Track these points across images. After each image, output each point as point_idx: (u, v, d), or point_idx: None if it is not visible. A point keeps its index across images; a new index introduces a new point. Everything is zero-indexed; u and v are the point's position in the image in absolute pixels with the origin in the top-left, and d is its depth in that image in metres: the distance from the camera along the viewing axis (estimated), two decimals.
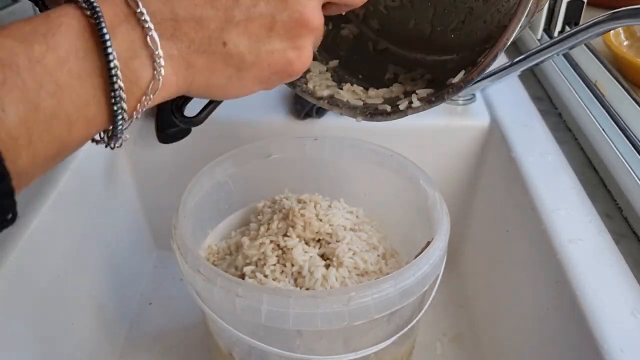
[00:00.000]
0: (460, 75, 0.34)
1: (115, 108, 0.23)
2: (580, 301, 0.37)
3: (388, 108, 0.37)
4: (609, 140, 0.50)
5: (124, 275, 0.59)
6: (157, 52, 0.23)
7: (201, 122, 0.28)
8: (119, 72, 0.22)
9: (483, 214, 0.59)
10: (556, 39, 0.47)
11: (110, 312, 0.55)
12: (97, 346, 0.52)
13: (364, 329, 0.39)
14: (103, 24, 0.22)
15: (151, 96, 0.24)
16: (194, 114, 0.28)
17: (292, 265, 0.43)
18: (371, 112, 0.38)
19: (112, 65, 0.22)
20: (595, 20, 0.43)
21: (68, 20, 0.22)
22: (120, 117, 0.23)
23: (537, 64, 0.51)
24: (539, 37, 0.68)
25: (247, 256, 0.45)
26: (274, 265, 0.44)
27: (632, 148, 0.48)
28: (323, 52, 0.42)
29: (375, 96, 0.39)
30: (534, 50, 0.50)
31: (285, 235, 0.46)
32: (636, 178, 0.45)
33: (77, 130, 0.22)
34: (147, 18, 0.23)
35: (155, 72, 0.23)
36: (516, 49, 0.74)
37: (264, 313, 0.35)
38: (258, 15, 0.25)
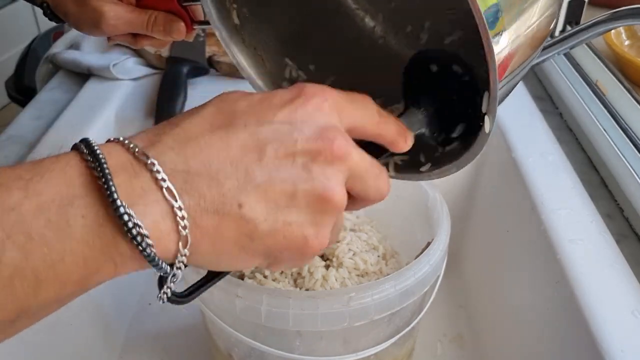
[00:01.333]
0: (427, 166, 0.33)
1: (142, 251, 0.20)
2: (581, 301, 0.37)
3: None
4: (610, 140, 0.50)
5: (123, 275, 0.59)
6: (176, 204, 0.21)
7: (190, 300, 0.25)
8: (126, 212, 0.20)
9: (483, 215, 0.59)
10: (557, 39, 0.47)
11: (109, 313, 0.55)
12: (96, 346, 0.52)
13: (364, 330, 0.39)
14: (106, 168, 0.20)
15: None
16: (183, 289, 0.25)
17: None
18: None
19: (120, 210, 0.20)
20: (596, 20, 0.43)
21: (61, 167, 0.20)
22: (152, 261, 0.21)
23: (538, 64, 0.50)
24: (550, 34, 0.68)
25: None
26: None
27: (633, 148, 0.47)
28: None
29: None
30: None
31: None
32: (637, 178, 0.45)
33: (46, 292, 0.19)
34: (160, 168, 0.21)
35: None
36: None
37: (264, 314, 0.35)
38: (280, 181, 0.22)
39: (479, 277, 0.59)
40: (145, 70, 0.68)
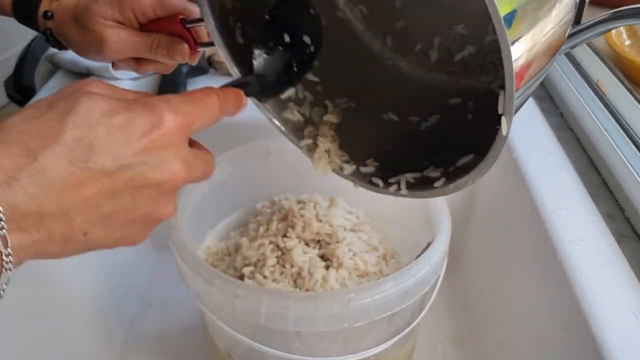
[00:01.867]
0: (441, 181, 0.34)
1: None
2: (582, 302, 0.37)
3: (380, 183, 0.38)
4: (611, 140, 0.50)
5: (122, 276, 0.59)
6: (5, 251, 0.23)
7: None
8: None
9: (484, 215, 0.59)
10: None
11: (109, 314, 0.55)
12: (95, 347, 0.52)
13: (364, 331, 0.39)
14: None
15: None
16: None
17: (292, 266, 0.43)
18: (367, 181, 0.39)
19: None
20: (597, 20, 0.43)
21: None
22: None
23: None
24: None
25: (246, 257, 0.45)
26: (274, 266, 0.43)
27: (634, 148, 0.47)
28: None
29: (371, 164, 0.39)
30: None
31: (284, 236, 0.46)
32: (638, 178, 0.45)
33: None
34: (2, 217, 0.22)
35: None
36: None
37: (264, 314, 0.35)
38: (124, 210, 0.26)
39: (479, 277, 0.59)
40: None
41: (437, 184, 0.34)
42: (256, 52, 0.35)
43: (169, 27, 0.42)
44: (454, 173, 0.33)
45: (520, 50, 0.25)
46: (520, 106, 0.28)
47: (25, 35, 0.59)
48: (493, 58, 0.37)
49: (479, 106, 0.30)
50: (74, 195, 0.24)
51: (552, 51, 0.29)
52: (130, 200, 0.26)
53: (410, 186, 0.36)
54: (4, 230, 0.23)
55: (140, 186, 0.26)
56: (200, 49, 0.43)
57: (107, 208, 0.25)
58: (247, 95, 0.34)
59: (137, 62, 0.44)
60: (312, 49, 0.37)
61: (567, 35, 0.45)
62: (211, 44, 0.39)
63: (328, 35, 0.38)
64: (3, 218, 0.22)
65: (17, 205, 0.23)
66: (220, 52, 0.38)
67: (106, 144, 0.25)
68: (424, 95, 0.40)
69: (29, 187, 0.23)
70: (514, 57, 0.24)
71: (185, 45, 0.41)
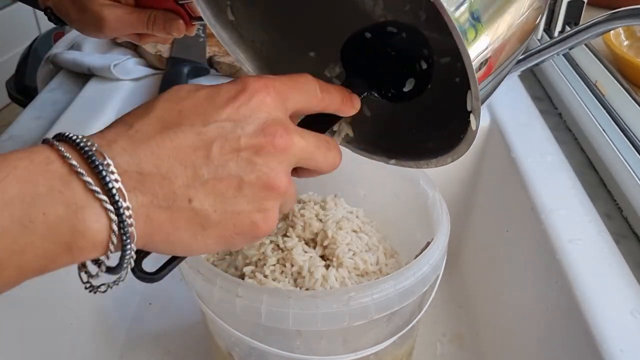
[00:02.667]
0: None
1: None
2: (580, 301, 0.37)
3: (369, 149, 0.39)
4: (609, 141, 0.50)
5: None
6: (124, 205, 0.23)
7: (161, 279, 0.28)
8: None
9: (483, 214, 0.59)
10: (556, 39, 0.47)
11: (109, 312, 0.55)
12: (96, 346, 0.52)
13: (364, 330, 0.39)
14: (72, 161, 0.22)
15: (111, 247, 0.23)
16: (154, 269, 0.28)
17: (292, 265, 0.43)
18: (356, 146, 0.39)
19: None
20: (595, 20, 0.43)
21: (25, 165, 0.22)
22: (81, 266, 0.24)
23: (537, 64, 0.50)
24: (539, 37, 0.68)
25: (246, 256, 0.45)
26: (274, 265, 0.44)
27: (633, 148, 0.48)
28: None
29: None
30: (534, 50, 0.50)
31: (285, 235, 0.46)
32: (636, 178, 0.45)
33: (7, 276, 0.22)
34: (113, 168, 0.23)
35: (112, 224, 0.23)
36: None
37: (264, 313, 0.35)
38: (226, 175, 0.25)
39: (478, 276, 0.59)
40: (146, 70, 0.68)
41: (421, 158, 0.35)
42: (346, 56, 0.35)
43: (162, 3, 0.43)
44: (433, 149, 0.34)
45: (482, 48, 0.25)
46: (492, 91, 0.29)
47: (27, 36, 0.59)
48: None
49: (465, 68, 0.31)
50: (169, 154, 0.24)
51: (522, 38, 0.29)
52: (229, 164, 0.25)
53: (398, 154, 0.37)
54: (119, 183, 0.22)
55: (235, 148, 0.25)
56: (196, 23, 0.44)
57: (205, 171, 0.24)
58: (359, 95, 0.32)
59: (137, 35, 0.46)
60: (403, 34, 0.36)
61: (565, 36, 0.45)
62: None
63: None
64: (115, 171, 0.22)
65: (118, 162, 0.23)
66: (212, 31, 0.39)
67: (194, 110, 0.25)
68: (406, 54, 0.40)
69: (127, 146, 0.23)
70: (473, 57, 0.25)
71: (181, 21, 0.43)
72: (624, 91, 0.53)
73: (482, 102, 0.27)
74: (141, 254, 0.26)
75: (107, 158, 0.23)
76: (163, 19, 0.43)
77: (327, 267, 0.44)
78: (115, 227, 0.23)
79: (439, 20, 0.26)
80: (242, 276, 0.44)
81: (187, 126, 0.24)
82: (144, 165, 0.23)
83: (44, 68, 0.73)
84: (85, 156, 0.22)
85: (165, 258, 0.28)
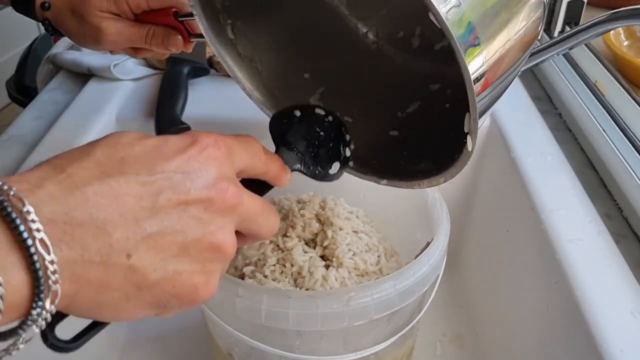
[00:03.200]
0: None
1: None
2: (580, 301, 0.37)
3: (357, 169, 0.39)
4: (609, 140, 0.50)
5: None
6: (48, 258, 0.19)
7: (77, 348, 0.24)
8: None
9: (483, 214, 0.59)
10: (556, 39, 0.47)
11: None
12: (96, 346, 0.52)
13: (364, 330, 0.39)
14: None
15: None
16: (69, 337, 0.24)
17: (292, 265, 0.43)
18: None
19: None
20: (595, 21, 0.43)
21: None
22: None
23: (537, 64, 0.51)
24: (538, 37, 0.68)
25: (246, 256, 0.45)
26: (274, 265, 0.44)
27: (632, 148, 0.48)
28: None
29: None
30: (534, 50, 0.50)
31: (285, 235, 0.46)
32: (636, 178, 0.45)
33: None
34: (35, 218, 0.19)
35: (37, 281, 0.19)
36: None
37: (264, 313, 0.35)
38: (171, 231, 0.22)
39: (478, 276, 0.59)
40: (146, 70, 0.68)
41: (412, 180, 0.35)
42: (274, 132, 0.35)
43: (162, 19, 0.43)
44: (425, 170, 0.35)
45: (479, 63, 0.25)
46: (489, 108, 0.29)
47: (27, 36, 0.59)
48: None
49: (457, 94, 0.31)
50: (107, 203, 0.21)
51: (519, 53, 0.29)
52: (175, 218, 0.22)
53: (389, 175, 0.37)
54: (41, 233, 0.19)
55: (184, 200, 0.22)
56: (194, 40, 0.44)
57: (148, 224, 0.21)
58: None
59: (133, 49, 0.45)
60: (330, 118, 0.37)
61: (565, 36, 0.45)
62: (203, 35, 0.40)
63: (314, 22, 0.39)
64: (37, 219, 0.19)
65: (41, 210, 0.20)
66: (212, 48, 0.39)
67: (140, 158, 0.22)
68: (406, 80, 0.41)
69: (55, 192, 0.20)
70: (476, 87, 0.25)
71: (179, 37, 0.43)
72: (624, 91, 0.53)
73: (481, 116, 0.28)
74: (55, 318, 0.22)
75: (26, 205, 0.19)
76: (162, 34, 0.43)
77: (327, 267, 0.44)
78: (30, 288, 0.19)
79: (431, 48, 0.27)
80: (242, 276, 0.44)
81: (130, 175, 0.22)
82: (75, 214, 0.20)
83: (43, 68, 0.73)
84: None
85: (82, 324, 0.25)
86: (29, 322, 0.20)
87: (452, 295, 0.61)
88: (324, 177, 0.36)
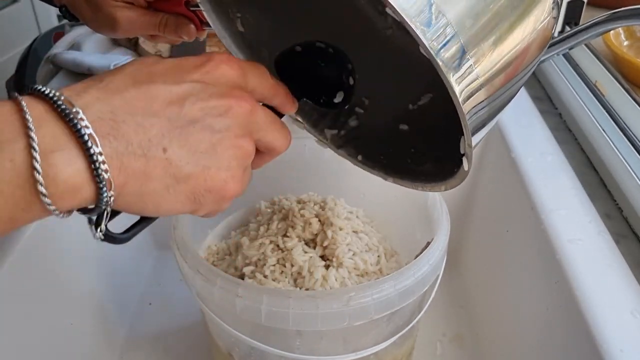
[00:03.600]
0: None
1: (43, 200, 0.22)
2: (580, 301, 0.37)
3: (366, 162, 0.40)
4: (609, 140, 0.50)
5: (123, 275, 0.59)
6: (97, 150, 0.22)
7: (128, 240, 0.27)
8: (37, 165, 0.21)
9: (483, 214, 0.59)
10: (556, 39, 0.47)
11: (110, 313, 0.55)
12: (96, 346, 0.52)
13: (364, 330, 0.39)
14: (28, 119, 0.22)
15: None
16: (119, 231, 0.27)
17: (292, 265, 0.43)
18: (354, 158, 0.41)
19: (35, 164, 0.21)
20: (595, 21, 0.43)
21: None
22: (54, 212, 0.22)
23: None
24: (551, 39, 0.68)
25: (246, 256, 0.45)
26: (274, 265, 0.44)
27: (632, 148, 0.48)
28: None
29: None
30: None
31: (285, 235, 0.46)
32: (636, 178, 0.45)
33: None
34: (82, 115, 0.22)
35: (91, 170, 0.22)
36: None
37: (264, 313, 0.35)
38: (199, 130, 0.25)
39: (478, 276, 0.59)
40: None
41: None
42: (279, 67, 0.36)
43: (175, 8, 0.44)
44: (429, 172, 0.35)
45: (477, 102, 0.25)
46: (491, 119, 0.29)
47: (27, 35, 0.60)
48: None
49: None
50: (143, 105, 0.24)
51: (520, 68, 0.28)
52: (202, 118, 0.25)
53: (395, 172, 0.38)
54: (89, 129, 0.22)
55: (206, 105, 0.26)
56: (207, 28, 0.45)
57: (179, 123, 0.25)
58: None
59: (150, 35, 0.47)
60: (330, 50, 0.37)
61: (565, 36, 0.45)
62: None
63: (327, 8, 0.39)
64: (85, 117, 0.22)
65: (90, 110, 0.23)
66: (222, 42, 0.40)
67: (165, 71, 0.26)
68: (419, 70, 0.41)
69: (100, 95, 0.23)
70: (467, 113, 0.25)
71: (192, 26, 0.44)
72: (624, 91, 0.53)
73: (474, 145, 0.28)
74: (108, 215, 0.25)
75: (75, 106, 0.22)
76: (175, 23, 0.44)
77: (327, 267, 0.44)
78: (87, 173, 0.22)
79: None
80: (242, 276, 0.44)
81: (159, 83, 0.25)
82: (119, 112, 0.23)
83: (43, 68, 0.73)
84: (54, 104, 0.22)
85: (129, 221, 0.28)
86: (98, 205, 0.23)
87: (452, 295, 0.61)
88: (329, 105, 0.37)
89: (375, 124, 0.40)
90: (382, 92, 0.40)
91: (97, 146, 0.22)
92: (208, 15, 0.38)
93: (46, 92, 0.23)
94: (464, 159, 0.30)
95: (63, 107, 0.22)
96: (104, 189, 0.23)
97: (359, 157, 0.40)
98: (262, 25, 0.40)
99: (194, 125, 0.25)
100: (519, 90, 0.30)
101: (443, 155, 0.34)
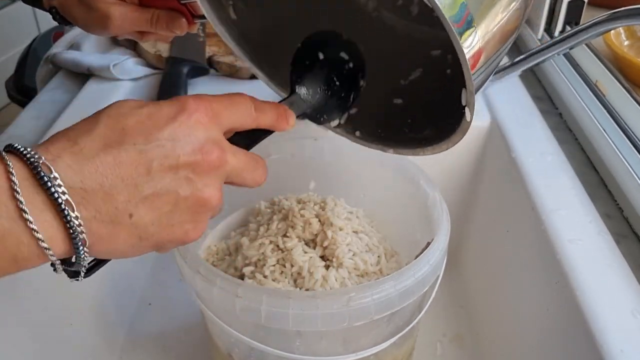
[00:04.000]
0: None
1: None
2: (580, 301, 0.37)
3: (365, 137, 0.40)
4: (610, 140, 0.50)
5: (123, 275, 0.59)
6: (73, 215, 0.24)
7: (89, 275, 0.30)
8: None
9: (483, 214, 0.59)
10: (557, 39, 0.47)
11: (109, 313, 0.55)
12: (96, 347, 0.52)
13: (364, 330, 0.39)
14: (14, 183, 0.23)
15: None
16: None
17: (292, 265, 0.43)
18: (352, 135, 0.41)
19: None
20: (595, 20, 0.43)
21: None
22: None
23: (537, 64, 0.51)
24: (539, 37, 0.68)
25: (246, 257, 0.45)
26: (274, 265, 0.44)
27: (633, 148, 0.48)
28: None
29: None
30: (534, 50, 0.50)
31: (284, 235, 0.46)
32: (637, 178, 0.45)
33: None
34: (61, 182, 0.24)
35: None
36: (516, 49, 0.74)
37: (264, 314, 0.35)
38: (165, 192, 0.26)
39: (478, 277, 0.59)
40: (145, 70, 0.68)
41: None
42: (294, 75, 0.37)
43: (165, 3, 0.45)
44: (429, 137, 0.36)
45: (474, 43, 0.27)
46: (484, 82, 0.31)
47: (26, 35, 0.59)
48: None
49: (457, 59, 0.32)
50: (112, 173, 0.25)
51: (510, 30, 0.31)
52: (168, 181, 0.26)
53: (395, 142, 0.38)
54: (66, 195, 0.24)
55: (174, 165, 0.26)
56: (198, 21, 0.45)
57: (146, 188, 0.26)
58: (296, 114, 0.35)
59: (139, 33, 0.47)
60: (351, 64, 0.38)
61: (565, 35, 0.45)
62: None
63: None
64: (62, 184, 0.24)
65: (63, 178, 0.24)
66: (216, 30, 0.40)
67: (136, 128, 0.26)
68: (408, 47, 0.42)
69: (72, 163, 0.25)
70: (468, 54, 0.26)
71: (183, 20, 0.45)
72: (624, 91, 0.53)
73: (475, 93, 0.29)
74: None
75: (53, 172, 0.24)
76: (166, 17, 0.45)
77: (327, 267, 0.44)
78: (62, 237, 0.24)
79: (430, 14, 0.28)
80: (242, 276, 0.44)
81: (129, 145, 0.26)
82: (88, 182, 0.25)
83: (43, 68, 0.73)
84: (33, 169, 0.24)
85: None
86: (74, 262, 0.26)
87: (452, 295, 0.61)
88: (324, 124, 0.38)
89: (370, 102, 0.41)
90: (375, 71, 0.41)
91: (72, 210, 0.24)
92: (201, 2, 0.38)
93: (25, 153, 0.24)
94: (466, 110, 0.31)
95: (43, 174, 0.24)
96: (80, 247, 0.25)
97: (357, 134, 0.41)
98: (254, 13, 0.40)
99: (160, 190, 0.26)
100: (500, 61, 0.32)
101: (440, 119, 0.35)
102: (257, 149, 0.33)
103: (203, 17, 0.43)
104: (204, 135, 0.28)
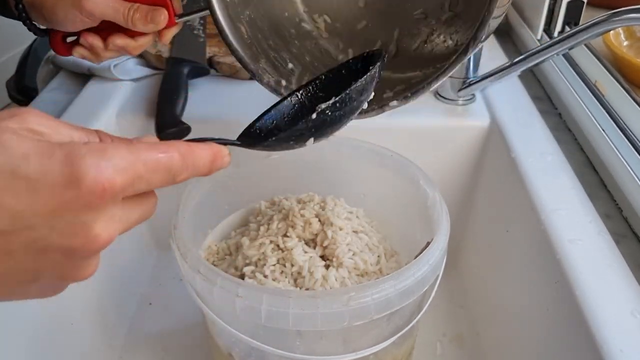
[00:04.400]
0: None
1: None
2: (580, 301, 0.37)
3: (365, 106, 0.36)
4: (609, 141, 0.50)
5: (123, 275, 0.59)
6: None
7: None
8: None
9: (483, 214, 0.59)
10: (556, 39, 0.47)
11: (110, 312, 0.55)
12: (96, 346, 0.52)
13: (364, 329, 0.39)
14: None
15: None
16: None
17: (292, 265, 0.43)
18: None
19: None
20: (595, 21, 0.43)
21: None
22: None
23: (537, 64, 0.51)
24: (538, 37, 0.68)
25: (247, 256, 0.45)
26: (274, 265, 0.44)
27: (632, 148, 0.48)
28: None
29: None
30: (534, 51, 0.50)
31: (285, 235, 0.46)
32: (636, 178, 0.45)
33: None
34: None
35: None
36: (516, 49, 0.74)
37: (264, 313, 0.35)
38: (22, 272, 0.23)
39: (478, 276, 0.59)
40: (146, 70, 0.68)
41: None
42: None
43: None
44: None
45: None
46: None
47: (27, 36, 0.59)
48: None
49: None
50: None
51: None
52: (30, 263, 0.23)
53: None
54: None
55: (43, 249, 0.22)
56: (180, 21, 0.44)
57: (11, 277, 0.23)
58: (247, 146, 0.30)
59: (101, 40, 0.44)
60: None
61: (565, 36, 0.45)
62: (189, 14, 0.41)
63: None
64: None
65: None
66: (233, 54, 0.41)
67: (7, 198, 0.21)
68: None
69: None
70: None
71: (165, 12, 0.42)
72: (623, 91, 0.53)
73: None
74: None
75: None
76: (146, 9, 0.42)
77: (327, 267, 0.44)
78: None
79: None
80: (242, 276, 0.44)
81: None
82: None
83: (44, 68, 0.73)
84: None
85: None
86: None
87: (452, 295, 0.61)
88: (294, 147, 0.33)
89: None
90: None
91: None
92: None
93: None
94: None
95: None
96: None
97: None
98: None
99: (17, 270, 0.23)
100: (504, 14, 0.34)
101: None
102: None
103: (186, 14, 0.42)
104: (93, 220, 0.23)
